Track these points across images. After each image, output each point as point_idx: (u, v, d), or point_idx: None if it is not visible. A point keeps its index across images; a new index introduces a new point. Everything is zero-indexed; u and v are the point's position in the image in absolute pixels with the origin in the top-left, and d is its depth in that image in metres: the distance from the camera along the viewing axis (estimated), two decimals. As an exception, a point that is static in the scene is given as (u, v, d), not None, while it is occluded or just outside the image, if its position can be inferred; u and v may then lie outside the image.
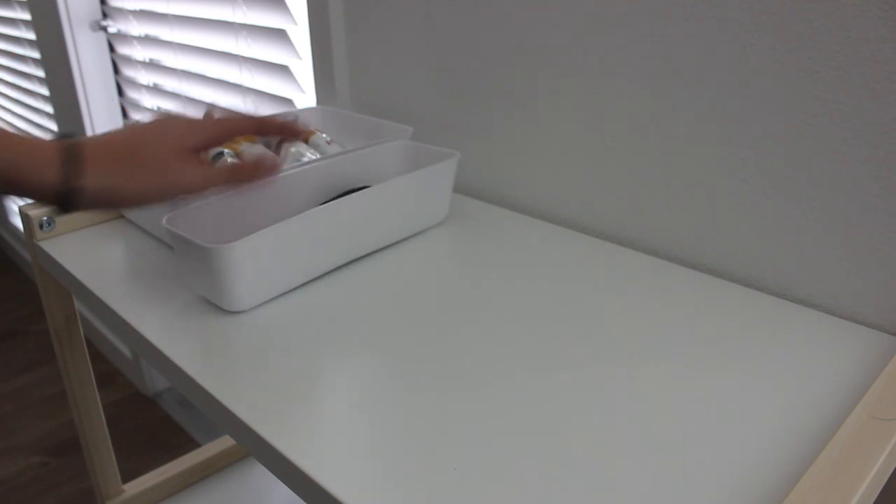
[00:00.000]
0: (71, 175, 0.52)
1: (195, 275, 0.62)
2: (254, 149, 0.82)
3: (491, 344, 0.57)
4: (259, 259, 0.61)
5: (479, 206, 0.84)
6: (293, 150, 0.82)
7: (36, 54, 1.89)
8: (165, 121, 0.58)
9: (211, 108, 0.63)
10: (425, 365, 0.54)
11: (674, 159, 0.68)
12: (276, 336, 0.59)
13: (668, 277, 0.66)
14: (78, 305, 0.84)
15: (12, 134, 0.53)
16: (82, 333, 0.85)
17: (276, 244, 0.62)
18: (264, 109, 1.21)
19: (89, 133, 1.69)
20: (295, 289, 0.67)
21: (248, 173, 0.59)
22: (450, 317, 0.61)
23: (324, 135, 0.87)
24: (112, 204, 0.54)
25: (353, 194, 0.69)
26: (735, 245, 0.66)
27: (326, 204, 0.67)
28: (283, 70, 1.13)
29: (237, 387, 0.52)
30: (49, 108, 1.95)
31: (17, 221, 2.74)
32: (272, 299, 0.65)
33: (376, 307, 0.63)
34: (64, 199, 0.53)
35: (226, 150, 0.81)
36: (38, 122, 2.13)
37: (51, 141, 0.53)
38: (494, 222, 0.79)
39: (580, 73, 0.73)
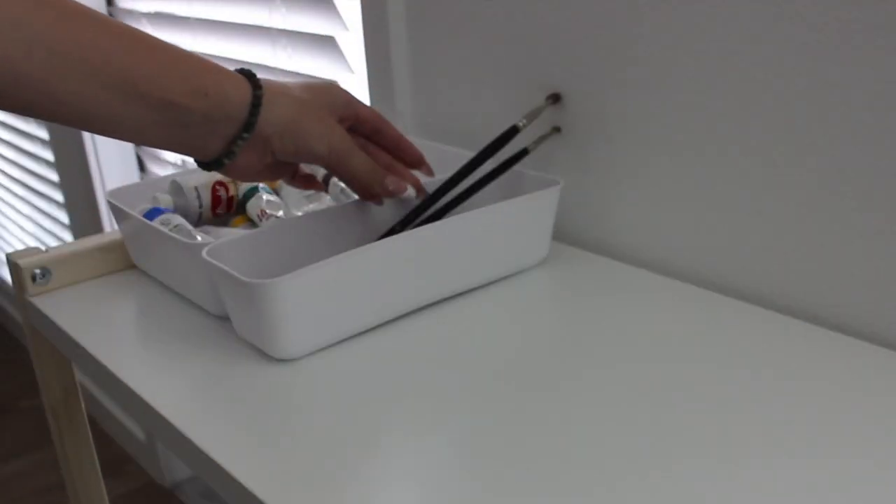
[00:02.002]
0: (256, 98, 0.61)
1: (240, 316, 0.63)
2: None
3: (597, 430, 0.54)
4: (311, 298, 0.61)
5: (572, 252, 0.81)
6: (342, 185, 0.81)
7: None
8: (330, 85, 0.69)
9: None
10: (511, 454, 0.51)
11: (816, 203, 0.62)
12: (325, 400, 0.58)
13: (810, 344, 0.63)
14: (79, 376, 0.84)
15: (203, 59, 0.62)
16: (84, 410, 0.85)
17: (332, 281, 0.62)
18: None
19: (88, 137, 1.76)
20: (354, 336, 0.66)
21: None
22: (546, 388, 0.58)
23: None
24: (295, 138, 0.64)
25: (430, 224, 0.68)
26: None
27: (395, 235, 0.65)
28: (330, 88, 1.14)
29: (275, 476, 0.50)
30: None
31: (5, 273, 2.77)
32: (325, 348, 0.64)
33: (453, 367, 0.61)
34: (248, 123, 0.61)
35: (261, 186, 0.82)
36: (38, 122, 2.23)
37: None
38: (593, 270, 0.77)
39: (701, 100, 0.69)
